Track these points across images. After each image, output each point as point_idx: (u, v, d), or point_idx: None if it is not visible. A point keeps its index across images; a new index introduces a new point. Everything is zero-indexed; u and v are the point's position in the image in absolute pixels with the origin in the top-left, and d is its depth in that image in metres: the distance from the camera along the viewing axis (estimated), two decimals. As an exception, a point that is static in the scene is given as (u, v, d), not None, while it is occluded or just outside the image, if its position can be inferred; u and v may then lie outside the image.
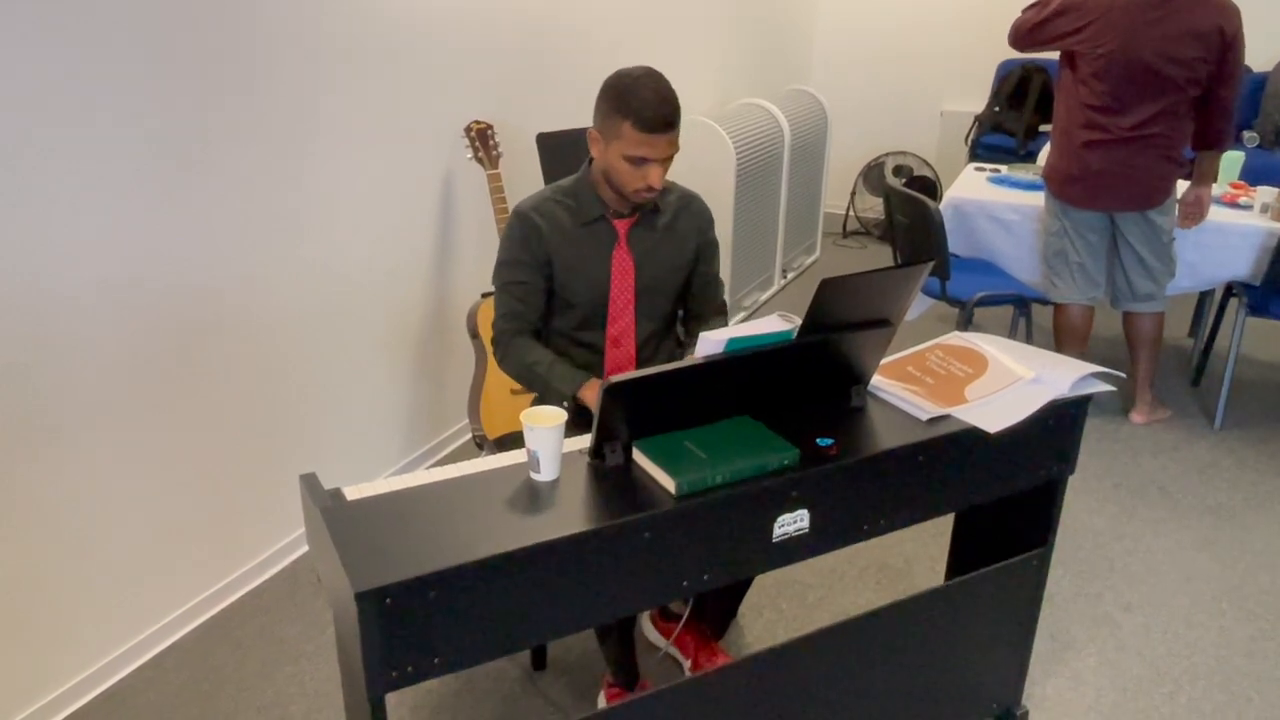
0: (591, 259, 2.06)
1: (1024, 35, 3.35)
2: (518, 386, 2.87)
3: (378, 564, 1.28)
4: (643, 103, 1.86)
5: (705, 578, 1.52)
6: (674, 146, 1.93)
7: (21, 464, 2.03)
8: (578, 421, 1.80)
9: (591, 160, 2.06)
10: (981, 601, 1.95)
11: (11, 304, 1.95)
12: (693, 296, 2.22)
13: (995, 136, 5.48)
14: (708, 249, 2.19)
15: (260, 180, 2.45)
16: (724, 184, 4.21)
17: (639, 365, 2.15)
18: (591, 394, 1.95)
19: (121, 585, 2.30)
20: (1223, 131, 3.20)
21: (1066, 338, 3.51)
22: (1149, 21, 3.04)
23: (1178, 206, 3.34)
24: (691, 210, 2.16)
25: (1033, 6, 3.33)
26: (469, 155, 3.02)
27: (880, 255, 5.73)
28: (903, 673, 1.90)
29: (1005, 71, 5.57)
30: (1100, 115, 3.18)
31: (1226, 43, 3.03)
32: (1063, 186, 3.31)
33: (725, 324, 2.21)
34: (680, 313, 2.31)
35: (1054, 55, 5.60)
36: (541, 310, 2.10)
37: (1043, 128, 5.34)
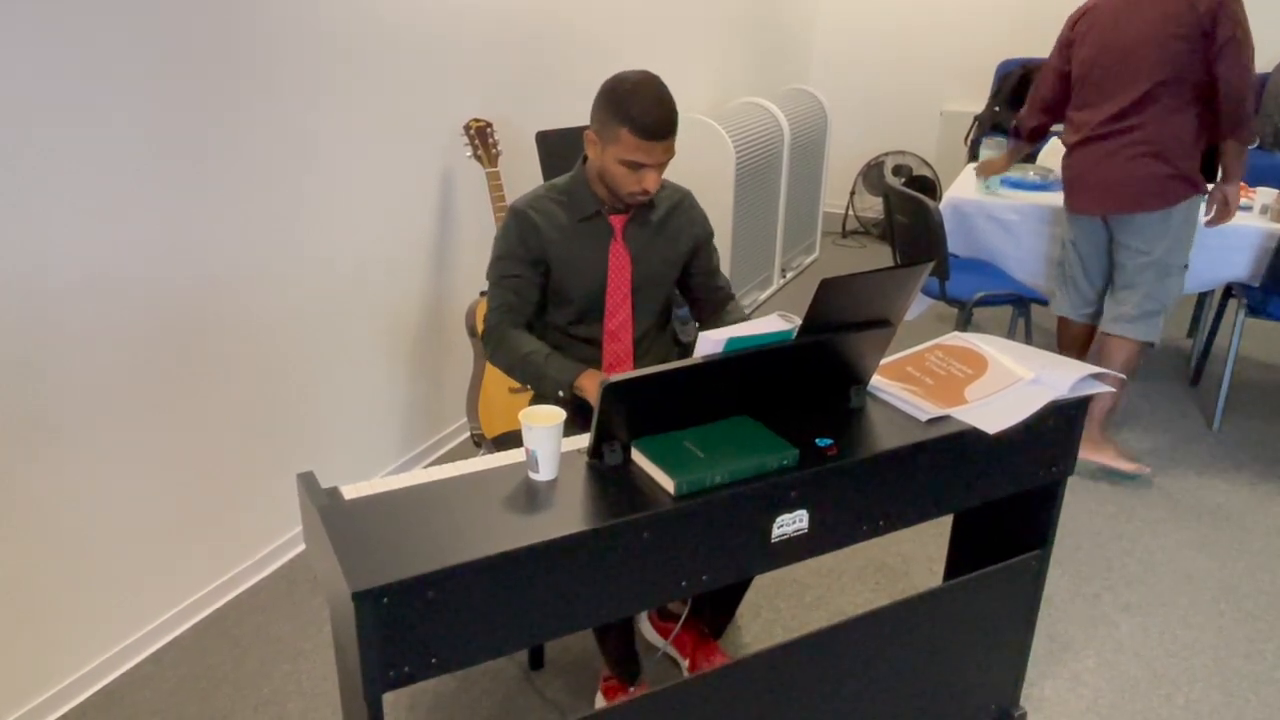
0: (588, 254, 2.07)
1: (1039, 107, 3.30)
2: (516, 385, 2.86)
3: (375, 564, 1.28)
4: (642, 110, 1.86)
5: (704, 578, 1.52)
6: (670, 153, 1.94)
7: (21, 463, 2.02)
8: (575, 420, 1.80)
9: (586, 158, 2.07)
10: (980, 602, 1.95)
11: (11, 303, 1.94)
12: (700, 288, 2.23)
13: (995, 136, 5.47)
14: (705, 244, 2.21)
15: (259, 179, 2.45)
16: (723, 183, 4.21)
17: (636, 359, 2.17)
18: (589, 383, 1.95)
19: (119, 583, 2.30)
20: (1230, 117, 2.92)
21: (1064, 348, 3.45)
22: (1125, 9, 2.98)
23: (1205, 204, 3.12)
24: (684, 207, 2.18)
25: (1033, 93, 3.31)
26: (468, 153, 3.02)
27: (879, 255, 5.73)
28: (900, 674, 1.90)
29: (1005, 71, 5.57)
30: (1080, 113, 3.12)
31: (1201, 15, 2.84)
32: (1065, 191, 3.28)
33: (740, 309, 2.23)
34: (681, 311, 2.32)
35: (1054, 55, 5.60)
36: (535, 305, 2.11)
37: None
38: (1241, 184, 3.73)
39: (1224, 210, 3.13)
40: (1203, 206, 3.12)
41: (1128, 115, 2.99)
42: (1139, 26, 2.94)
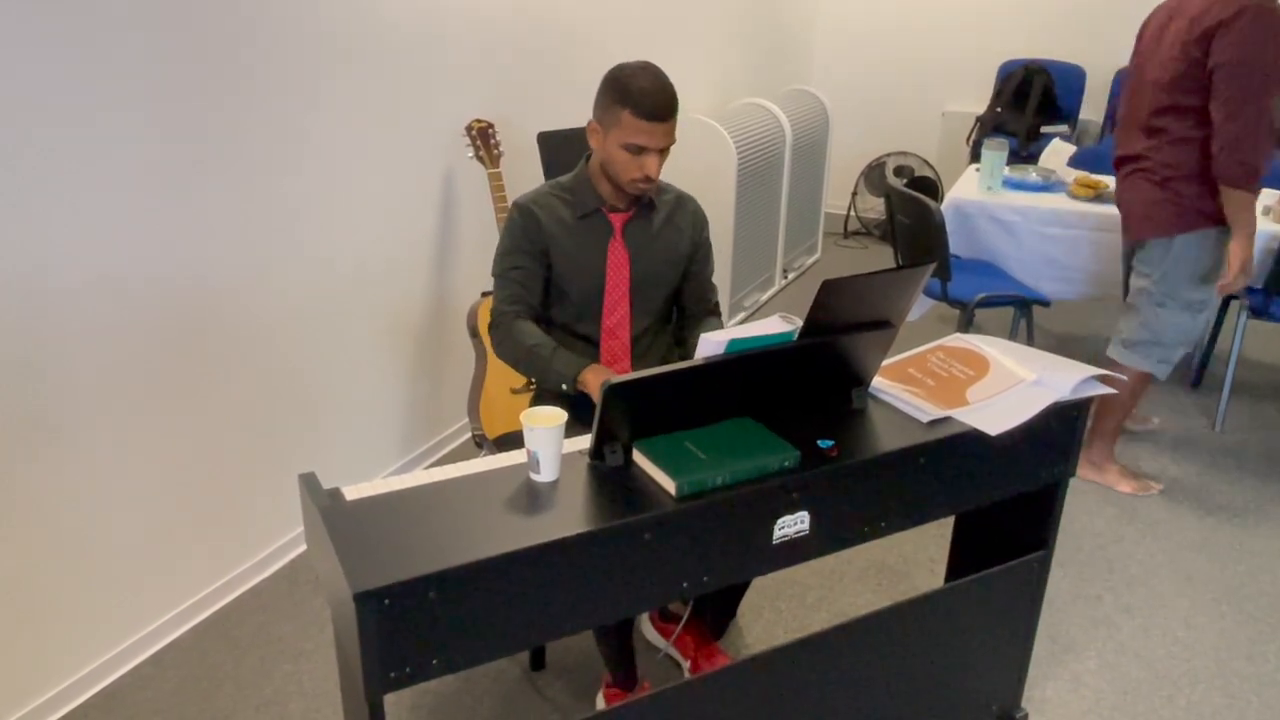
0: (588, 251, 2.09)
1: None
2: (518, 385, 2.86)
3: (376, 564, 1.27)
4: (642, 92, 1.90)
5: (705, 579, 1.52)
6: (671, 137, 1.97)
7: (21, 464, 2.02)
8: (577, 419, 1.80)
9: (588, 156, 2.10)
10: (981, 603, 1.94)
11: (11, 303, 1.94)
12: (686, 296, 2.24)
13: (997, 137, 5.48)
14: (702, 249, 2.22)
15: (260, 179, 2.45)
16: (725, 184, 4.20)
17: (634, 358, 2.17)
18: (593, 378, 1.96)
19: (120, 583, 2.30)
20: (1221, 158, 2.62)
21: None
22: (1160, 26, 2.84)
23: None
24: (686, 209, 2.19)
25: None
26: (470, 154, 3.02)
27: (881, 256, 5.73)
28: (902, 675, 1.90)
29: (1007, 72, 5.56)
30: (1116, 133, 3.04)
31: (1200, 37, 2.61)
32: None
33: (719, 325, 2.22)
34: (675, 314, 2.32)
35: (1054, 55, 5.61)
36: (541, 297, 2.12)
37: (1044, 129, 5.34)
38: None
39: (1233, 274, 2.78)
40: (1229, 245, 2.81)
41: (1141, 140, 2.86)
42: (1165, 45, 2.77)
